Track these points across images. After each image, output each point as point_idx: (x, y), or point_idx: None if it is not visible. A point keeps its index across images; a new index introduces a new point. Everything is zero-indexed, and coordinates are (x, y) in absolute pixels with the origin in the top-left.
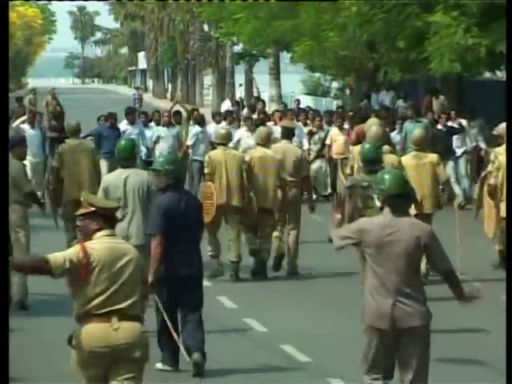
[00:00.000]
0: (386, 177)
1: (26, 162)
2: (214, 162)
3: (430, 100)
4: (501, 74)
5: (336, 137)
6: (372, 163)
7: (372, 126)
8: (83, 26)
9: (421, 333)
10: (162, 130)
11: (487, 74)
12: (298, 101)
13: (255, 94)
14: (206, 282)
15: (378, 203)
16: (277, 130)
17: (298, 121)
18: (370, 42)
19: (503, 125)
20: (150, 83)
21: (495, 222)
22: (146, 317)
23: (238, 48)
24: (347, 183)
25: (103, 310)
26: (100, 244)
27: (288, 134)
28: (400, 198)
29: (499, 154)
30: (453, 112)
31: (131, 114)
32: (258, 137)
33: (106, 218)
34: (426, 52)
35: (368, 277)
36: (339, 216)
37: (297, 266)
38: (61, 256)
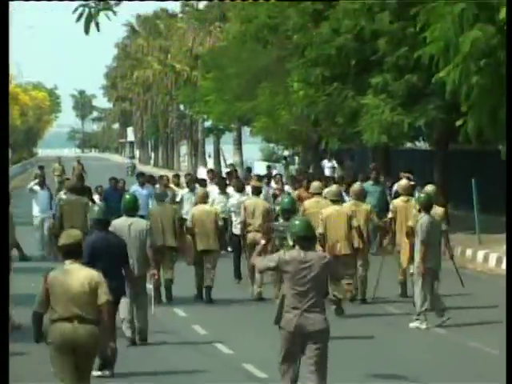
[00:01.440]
0: (296, 222)
1: (36, 217)
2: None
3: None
4: (419, 144)
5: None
6: (287, 212)
7: (314, 184)
8: (83, 106)
9: (321, 335)
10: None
11: (409, 144)
12: (250, 168)
13: (222, 161)
14: (182, 313)
15: (290, 242)
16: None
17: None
18: (315, 118)
19: (401, 182)
20: (136, 152)
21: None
22: None
23: (208, 123)
24: (270, 224)
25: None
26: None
27: (258, 191)
28: (306, 239)
29: (396, 203)
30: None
31: (142, 177)
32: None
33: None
34: (359, 126)
35: (286, 294)
36: (263, 242)
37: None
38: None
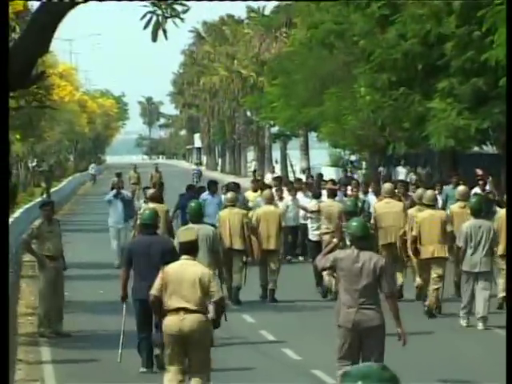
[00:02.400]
0: (353, 224)
1: (112, 228)
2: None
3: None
4: (486, 148)
5: None
6: (351, 214)
7: (386, 186)
8: (150, 113)
9: (377, 331)
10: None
11: (476, 148)
12: (321, 174)
13: (289, 167)
14: (250, 319)
15: (347, 242)
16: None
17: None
18: (382, 123)
19: (459, 187)
20: (203, 158)
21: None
22: None
23: (274, 129)
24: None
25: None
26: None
27: (333, 194)
28: (361, 239)
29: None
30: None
31: (213, 186)
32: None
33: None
34: (426, 131)
35: (340, 291)
36: (335, 241)
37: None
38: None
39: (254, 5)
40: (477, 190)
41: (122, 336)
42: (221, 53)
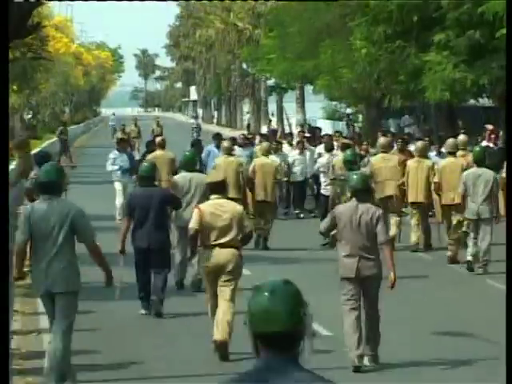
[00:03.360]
0: (354, 176)
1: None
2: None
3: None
4: (483, 101)
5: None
6: (350, 163)
7: (381, 140)
8: (145, 65)
9: (377, 280)
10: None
11: (472, 101)
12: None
13: (285, 119)
14: (247, 271)
15: (348, 194)
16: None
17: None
18: (378, 76)
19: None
20: (199, 111)
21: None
22: None
23: (270, 82)
24: (331, 176)
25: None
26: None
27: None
28: (361, 191)
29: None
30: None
31: (218, 138)
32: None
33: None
34: (422, 84)
35: (340, 244)
36: None
37: None
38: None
39: None
40: (488, 143)
41: (118, 285)
42: (217, 5)
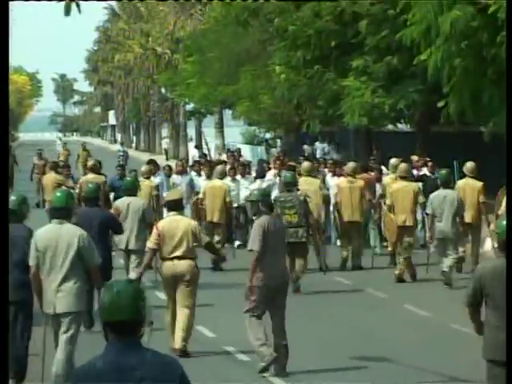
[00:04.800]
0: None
1: None
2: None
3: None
4: (401, 126)
5: None
6: (289, 185)
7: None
8: (64, 90)
9: (286, 287)
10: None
11: (390, 126)
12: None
13: (204, 144)
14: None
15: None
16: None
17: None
18: (297, 101)
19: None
20: (118, 136)
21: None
22: None
23: (189, 106)
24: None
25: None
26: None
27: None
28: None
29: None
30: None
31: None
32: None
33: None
34: (340, 109)
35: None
36: None
37: None
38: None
39: None
40: (425, 171)
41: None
42: (135, 30)
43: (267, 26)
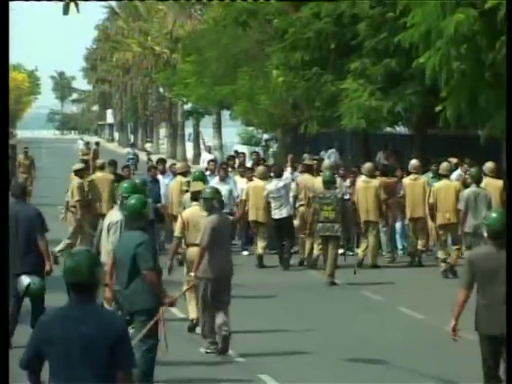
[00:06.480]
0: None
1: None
2: None
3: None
4: (398, 129)
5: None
6: (328, 183)
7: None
8: (62, 88)
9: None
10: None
11: (388, 129)
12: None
13: (201, 144)
14: None
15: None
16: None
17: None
18: (294, 102)
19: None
20: (116, 134)
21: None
22: None
23: (187, 106)
24: (311, 194)
25: None
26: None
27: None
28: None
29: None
30: None
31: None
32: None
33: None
34: (338, 111)
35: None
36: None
37: None
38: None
39: None
40: (460, 172)
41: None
42: (134, 29)
43: (266, 27)
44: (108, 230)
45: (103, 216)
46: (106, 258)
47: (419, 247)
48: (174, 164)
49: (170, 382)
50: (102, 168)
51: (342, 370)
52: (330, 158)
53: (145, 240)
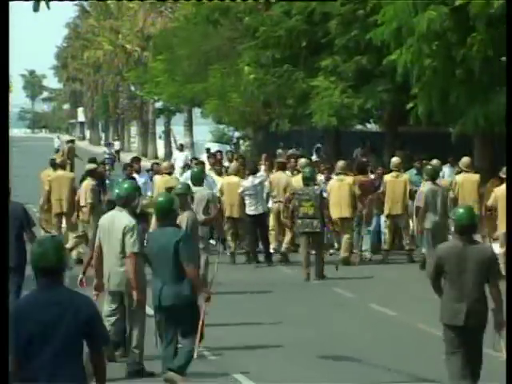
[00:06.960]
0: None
1: None
2: None
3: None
4: (370, 126)
5: None
6: (307, 180)
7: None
8: (33, 86)
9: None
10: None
11: (359, 126)
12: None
13: (172, 142)
14: None
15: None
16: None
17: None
18: (266, 100)
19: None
20: (87, 133)
21: None
22: None
23: (158, 104)
24: (291, 191)
25: None
26: None
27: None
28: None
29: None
30: None
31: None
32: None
33: None
34: (309, 108)
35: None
36: None
37: None
38: None
39: None
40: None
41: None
42: (105, 27)
43: (237, 25)
44: (124, 234)
45: (65, 214)
46: (112, 258)
47: (407, 247)
48: (157, 163)
49: (145, 381)
50: (61, 166)
51: (314, 366)
52: (317, 152)
53: (183, 236)
